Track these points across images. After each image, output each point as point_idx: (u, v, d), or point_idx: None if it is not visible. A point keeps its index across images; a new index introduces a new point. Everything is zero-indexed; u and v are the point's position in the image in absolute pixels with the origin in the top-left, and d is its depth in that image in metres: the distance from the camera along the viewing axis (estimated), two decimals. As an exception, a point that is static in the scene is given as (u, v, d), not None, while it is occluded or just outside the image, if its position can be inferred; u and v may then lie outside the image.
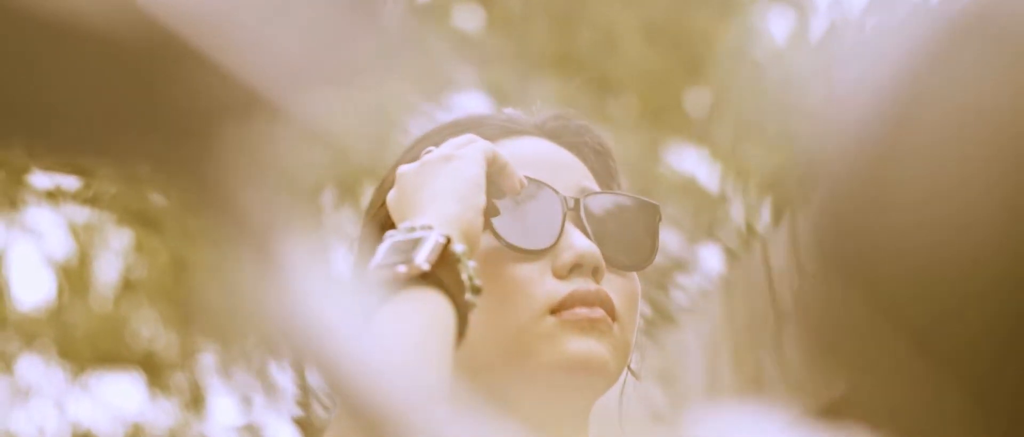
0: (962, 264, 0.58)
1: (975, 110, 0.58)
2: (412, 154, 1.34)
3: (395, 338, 1.15)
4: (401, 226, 1.22)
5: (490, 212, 1.30)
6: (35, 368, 4.88)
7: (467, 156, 1.27)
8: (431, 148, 1.30)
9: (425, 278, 1.17)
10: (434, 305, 1.18)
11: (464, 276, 1.19)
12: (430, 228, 1.20)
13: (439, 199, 1.24)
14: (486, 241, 1.29)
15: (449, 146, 1.29)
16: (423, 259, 1.17)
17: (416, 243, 1.19)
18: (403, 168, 1.29)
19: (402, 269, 1.17)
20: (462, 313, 1.19)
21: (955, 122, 0.59)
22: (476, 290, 1.20)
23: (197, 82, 0.47)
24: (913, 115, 0.60)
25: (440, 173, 1.26)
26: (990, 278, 0.58)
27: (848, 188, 0.61)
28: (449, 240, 1.20)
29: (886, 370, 0.61)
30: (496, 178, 1.29)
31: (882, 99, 0.61)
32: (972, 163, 0.58)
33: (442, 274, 1.18)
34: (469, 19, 5.04)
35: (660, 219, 1.38)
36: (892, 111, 0.60)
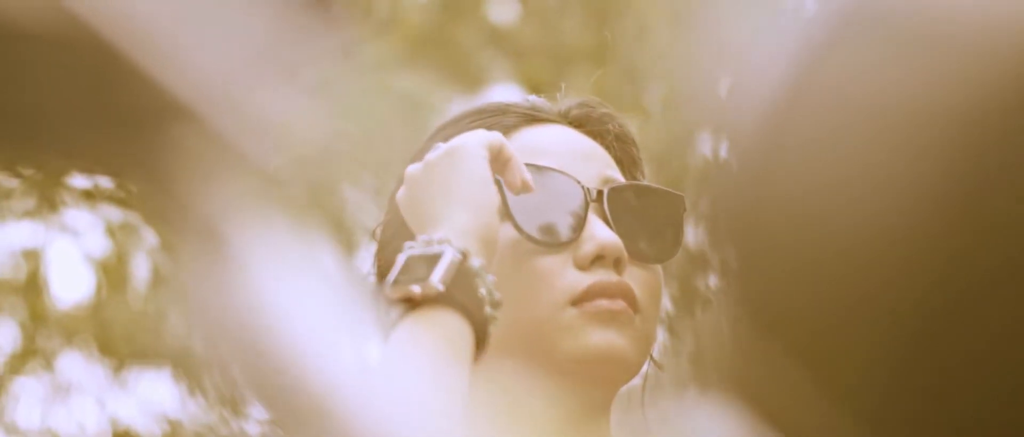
0: (848, 270, 0.56)
1: (862, 105, 0.56)
2: (430, 145, 1.32)
3: (408, 363, 1.13)
4: (418, 239, 1.19)
5: (506, 202, 1.28)
6: (76, 365, 4.90)
7: (468, 151, 1.24)
8: (440, 143, 1.28)
9: (441, 298, 1.16)
10: (450, 326, 1.16)
11: (482, 291, 1.17)
12: (447, 242, 1.18)
13: (450, 207, 1.21)
14: (507, 232, 1.27)
15: (452, 141, 1.26)
16: (438, 279, 1.15)
17: (432, 260, 1.17)
18: (410, 169, 1.26)
19: (417, 289, 1.16)
20: (480, 328, 1.17)
21: (841, 117, 0.56)
22: (495, 304, 1.18)
23: (143, 84, 0.47)
24: (797, 109, 0.58)
25: (444, 174, 1.23)
26: (878, 287, 0.55)
27: (734, 187, 0.60)
28: (465, 256, 1.18)
29: (776, 396, 0.59)
30: (500, 172, 1.26)
31: (767, 93, 0.59)
32: (858, 160, 0.56)
33: (459, 293, 1.16)
34: (503, 12, 5.03)
35: (685, 210, 1.36)
36: (776, 106, 0.58)
